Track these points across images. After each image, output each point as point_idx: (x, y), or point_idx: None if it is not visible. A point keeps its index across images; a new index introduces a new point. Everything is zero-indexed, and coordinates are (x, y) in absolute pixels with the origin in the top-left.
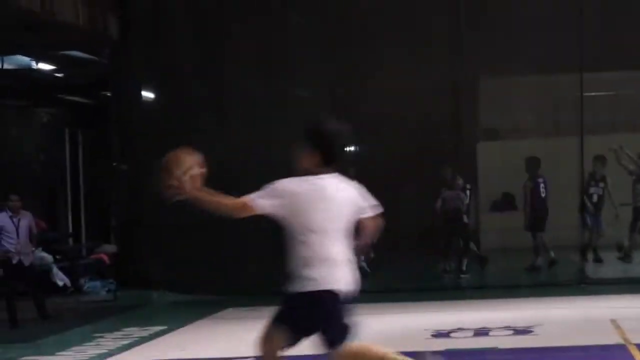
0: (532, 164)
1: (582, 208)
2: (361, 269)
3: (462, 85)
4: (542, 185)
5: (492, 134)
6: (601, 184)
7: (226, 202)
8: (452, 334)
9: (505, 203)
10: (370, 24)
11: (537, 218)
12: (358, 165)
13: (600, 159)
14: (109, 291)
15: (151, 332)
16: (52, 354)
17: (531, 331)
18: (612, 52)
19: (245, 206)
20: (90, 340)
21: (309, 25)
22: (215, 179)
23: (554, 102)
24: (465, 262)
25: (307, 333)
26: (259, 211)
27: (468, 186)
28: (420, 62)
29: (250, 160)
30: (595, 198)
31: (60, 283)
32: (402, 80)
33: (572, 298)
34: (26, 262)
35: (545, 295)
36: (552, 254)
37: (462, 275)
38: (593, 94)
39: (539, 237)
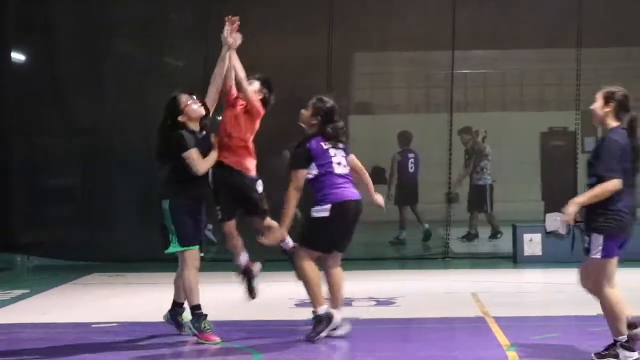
0: (403, 138)
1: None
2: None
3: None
4: (411, 159)
5: (364, 108)
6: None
7: None
8: None
9: (375, 176)
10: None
11: (405, 192)
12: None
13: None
14: None
15: (13, 296)
16: None
17: (393, 302)
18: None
19: None
20: None
21: None
22: (89, 145)
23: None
24: None
25: None
26: None
27: None
28: (293, 35)
29: (126, 126)
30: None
31: None
32: (274, 53)
33: (436, 272)
34: None
35: (409, 268)
36: (427, 225)
37: None
38: (464, 71)
39: (406, 211)
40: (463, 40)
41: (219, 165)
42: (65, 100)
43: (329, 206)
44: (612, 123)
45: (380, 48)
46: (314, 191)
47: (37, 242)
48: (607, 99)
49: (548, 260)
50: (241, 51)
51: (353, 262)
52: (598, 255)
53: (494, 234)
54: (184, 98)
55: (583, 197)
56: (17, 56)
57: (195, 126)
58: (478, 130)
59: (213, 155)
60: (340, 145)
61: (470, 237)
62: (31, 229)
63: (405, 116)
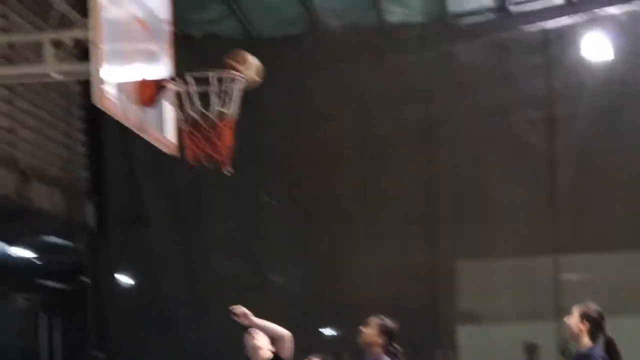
0: (530, 349)
1: None
2: None
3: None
4: None
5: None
6: None
7: None
8: None
9: None
10: (346, 206)
11: None
12: (334, 349)
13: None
14: None
15: None
16: None
17: None
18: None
19: None
20: None
21: (283, 207)
22: None
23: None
24: None
25: None
26: None
27: None
28: (395, 245)
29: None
30: None
31: None
32: (377, 263)
33: None
34: None
35: None
36: None
37: None
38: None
39: None
40: (565, 244)
41: None
42: (170, 322)
43: None
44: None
45: (483, 255)
46: None
47: None
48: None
49: None
50: (342, 272)
51: None
52: None
53: None
54: None
55: None
56: (124, 279)
57: None
58: None
59: None
60: None
61: None
62: None
63: (513, 325)
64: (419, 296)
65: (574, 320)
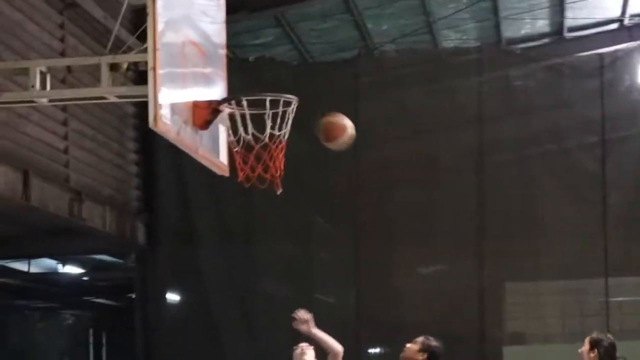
0: None
1: None
2: None
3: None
4: None
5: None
6: None
7: None
8: None
9: None
10: (397, 229)
11: None
12: None
13: None
14: None
15: None
16: None
17: None
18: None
19: None
20: None
21: (335, 228)
22: None
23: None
24: None
25: None
26: None
27: None
28: (445, 267)
29: None
30: None
31: None
32: (427, 285)
33: None
34: None
35: None
36: None
37: None
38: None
39: None
40: (616, 267)
41: None
42: (217, 342)
43: None
44: None
45: (532, 277)
46: None
47: None
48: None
49: None
50: (392, 294)
51: None
52: None
53: None
54: None
55: None
56: (172, 297)
57: None
58: None
59: None
60: None
61: None
62: None
63: (560, 346)
64: (468, 317)
65: (585, 348)
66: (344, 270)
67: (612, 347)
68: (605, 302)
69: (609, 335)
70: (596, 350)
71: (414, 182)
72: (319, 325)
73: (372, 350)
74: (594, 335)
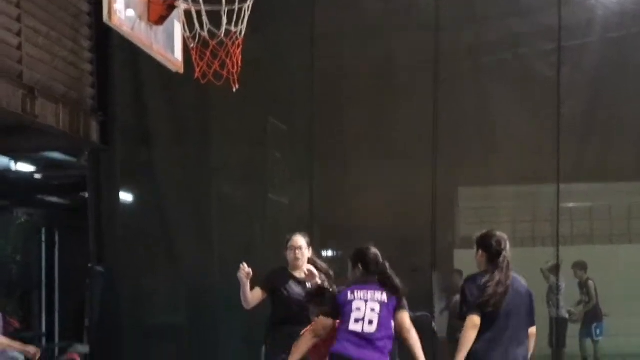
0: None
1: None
2: None
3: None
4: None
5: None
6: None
7: None
8: None
9: None
10: (349, 135)
11: None
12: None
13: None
14: None
15: None
16: None
17: None
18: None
19: None
20: None
21: (290, 132)
22: (194, 289)
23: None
24: None
25: None
26: None
27: None
28: (399, 173)
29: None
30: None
31: None
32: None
33: None
34: None
35: None
36: None
37: None
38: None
39: None
40: (568, 174)
41: None
42: (170, 242)
43: None
44: None
45: (485, 182)
46: None
47: None
48: None
49: None
50: (346, 197)
51: None
52: None
53: None
54: None
55: None
56: (125, 197)
57: None
58: None
59: None
60: None
61: None
62: None
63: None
64: (420, 222)
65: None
66: (298, 172)
67: (498, 243)
68: (557, 207)
69: (499, 233)
70: (481, 250)
71: (369, 88)
72: (274, 224)
73: (324, 253)
74: (477, 234)
